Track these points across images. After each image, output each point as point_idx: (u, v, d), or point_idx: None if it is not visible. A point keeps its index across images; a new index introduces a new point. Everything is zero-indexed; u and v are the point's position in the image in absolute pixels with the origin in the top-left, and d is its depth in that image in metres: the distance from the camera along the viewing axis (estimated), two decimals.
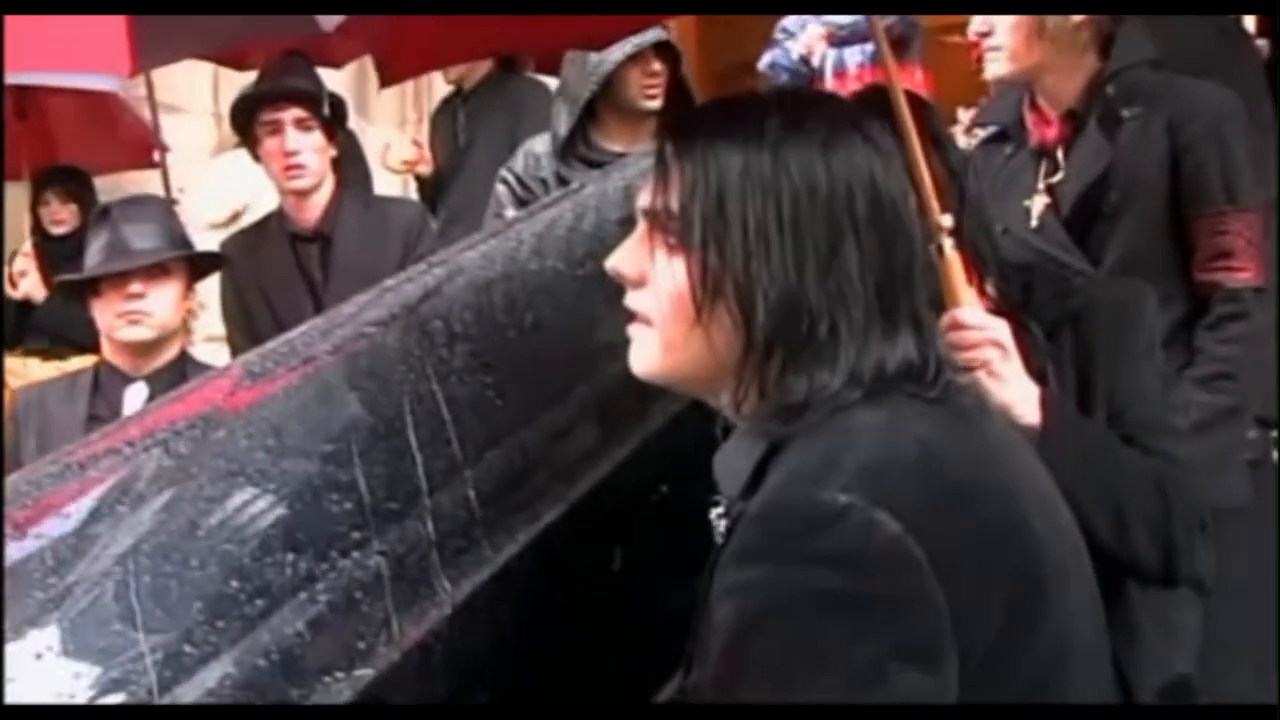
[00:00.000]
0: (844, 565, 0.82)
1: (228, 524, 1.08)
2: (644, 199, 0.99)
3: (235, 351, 2.74)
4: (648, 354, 0.98)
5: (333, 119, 2.72)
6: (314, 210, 2.73)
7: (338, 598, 1.06)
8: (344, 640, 1.05)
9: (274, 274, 2.73)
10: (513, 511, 1.25)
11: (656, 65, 2.45)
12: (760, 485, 0.92)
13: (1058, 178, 1.85)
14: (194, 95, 4.50)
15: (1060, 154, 1.86)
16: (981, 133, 2.07)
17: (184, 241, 2.45)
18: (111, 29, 1.30)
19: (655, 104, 2.43)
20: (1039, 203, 1.86)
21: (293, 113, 2.64)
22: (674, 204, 0.95)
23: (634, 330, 1.00)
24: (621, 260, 1.00)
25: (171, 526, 1.07)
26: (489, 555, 1.19)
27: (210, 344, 3.01)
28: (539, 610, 1.23)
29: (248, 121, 2.70)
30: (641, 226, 1.00)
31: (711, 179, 0.93)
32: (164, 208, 2.58)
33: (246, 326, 2.73)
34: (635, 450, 1.41)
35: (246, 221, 3.26)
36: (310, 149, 2.67)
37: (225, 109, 4.01)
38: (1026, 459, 0.99)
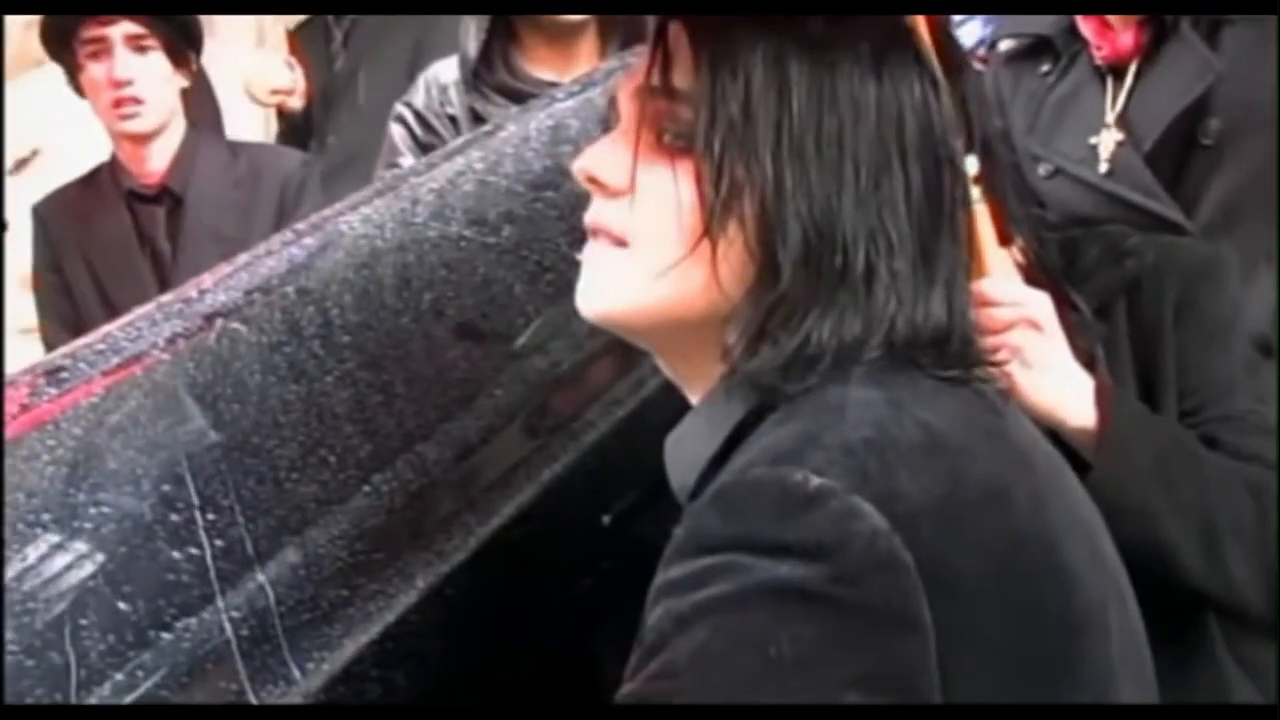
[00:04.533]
0: (812, 559, 0.81)
1: (27, 580, 1.05)
2: (630, 80, 0.97)
3: (50, 348, 2.70)
4: (621, 283, 0.96)
5: (182, 37, 2.68)
6: (158, 160, 2.71)
7: (173, 673, 1.05)
8: None
9: (105, 244, 2.70)
10: (408, 551, 1.24)
11: None
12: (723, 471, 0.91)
13: (1124, 102, 1.81)
14: None
15: (1132, 72, 1.82)
16: (1006, 46, 2.02)
17: None
18: None
19: (578, 15, 2.42)
20: (1109, 139, 1.82)
21: (124, 28, 2.60)
22: (683, 84, 0.94)
23: (597, 252, 0.98)
24: (598, 161, 0.97)
25: None
26: (376, 608, 1.18)
27: (25, 336, 2.97)
28: (445, 676, 1.22)
29: (62, 39, 2.65)
30: (629, 117, 0.97)
31: (738, 63, 0.92)
32: None
33: (66, 315, 2.71)
34: (570, 468, 1.41)
35: (40, 172, 3.19)
36: (150, 77, 2.64)
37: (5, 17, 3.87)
38: (1061, 472, 1.00)
